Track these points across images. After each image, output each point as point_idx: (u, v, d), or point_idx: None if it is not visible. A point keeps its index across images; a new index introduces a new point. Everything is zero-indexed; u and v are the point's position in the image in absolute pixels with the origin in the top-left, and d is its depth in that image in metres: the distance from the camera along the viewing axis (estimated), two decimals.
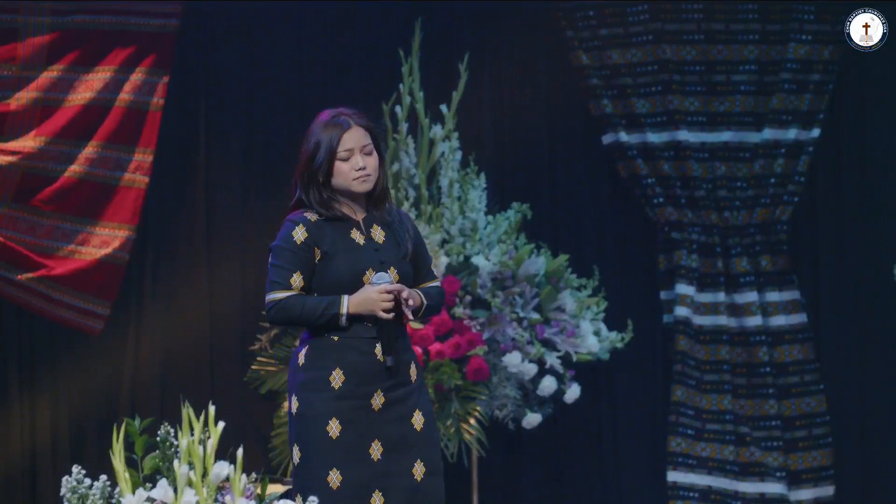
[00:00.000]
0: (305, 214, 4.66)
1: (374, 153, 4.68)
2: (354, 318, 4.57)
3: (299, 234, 4.62)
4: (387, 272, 4.59)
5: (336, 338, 4.58)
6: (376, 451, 4.55)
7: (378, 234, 4.67)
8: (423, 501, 4.59)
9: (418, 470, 4.58)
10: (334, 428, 4.53)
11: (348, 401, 4.54)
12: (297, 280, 4.61)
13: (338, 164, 4.64)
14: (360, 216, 4.69)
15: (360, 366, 4.56)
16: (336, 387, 4.55)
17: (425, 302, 4.66)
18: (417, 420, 4.61)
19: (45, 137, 6.90)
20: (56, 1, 6.96)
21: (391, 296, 4.52)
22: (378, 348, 4.57)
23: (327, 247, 4.61)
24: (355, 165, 4.62)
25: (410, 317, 4.58)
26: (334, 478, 4.51)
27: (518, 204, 7.42)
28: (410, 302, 4.56)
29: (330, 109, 4.79)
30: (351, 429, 4.53)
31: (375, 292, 4.52)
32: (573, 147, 7.87)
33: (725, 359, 7.73)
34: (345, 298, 4.55)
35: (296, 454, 4.60)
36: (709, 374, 7.74)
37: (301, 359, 4.63)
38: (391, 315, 4.53)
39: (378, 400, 4.56)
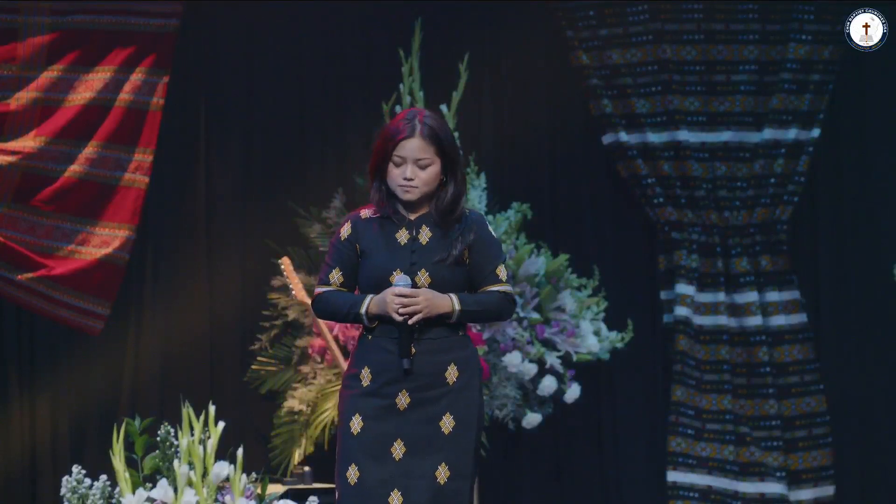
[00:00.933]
0: (362, 211, 4.67)
1: (433, 167, 4.59)
2: (382, 319, 4.56)
3: (345, 230, 4.64)
4: (416, 275, 4.55)
5: (370, 337, 4.60)
6: (398, 450, 4.54)
7: (424, 234, 4.63)
8: None
9: (442, 473, 4.56)
10: (356, 424, 4.54)
11: (373, 398, 4.55)
12: (336, 276, 4.63)
13: (390, 166, 4.60)
14: (413, 216, 4.65)
15: (385, 365, 4.56)
16: (364, 384, 4.57)
17: (457, 308, 4.56)
18: (447, 423, 4.58)
19: (45, 137, 6.90)
20: (56, 1, 6.96)
21: (403, 299, 4.50)
22: (398, 347, 4.57)
23: (366, 244, 4.60)
24: (403, 174, 4.59)
25: (418, 317, 4.53)
26: (352, 473, 4.52)
27: (518, 204, 7.42)
28: (417, 309, 4.51)
29: (416, 109, 4.71)
30: (373, 426, 4.54)
31: (390, 294, 4.52)
32: (573, 147, 7.87)
33: (725, 359, 7.73)
34: (368, 298, 4.55)
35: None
36: (709, 374, 7.74)
37: (351, 356, 4.67)
38: (404, 318, 4.51)
39: (403, 400, 4.55)
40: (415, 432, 4.54)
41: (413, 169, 4.57)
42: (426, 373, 4.56)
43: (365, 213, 4.66)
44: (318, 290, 4.65)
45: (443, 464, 4.55)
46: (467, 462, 4.59)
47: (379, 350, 4.57)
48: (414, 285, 4.53)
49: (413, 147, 4.57)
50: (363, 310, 4.54)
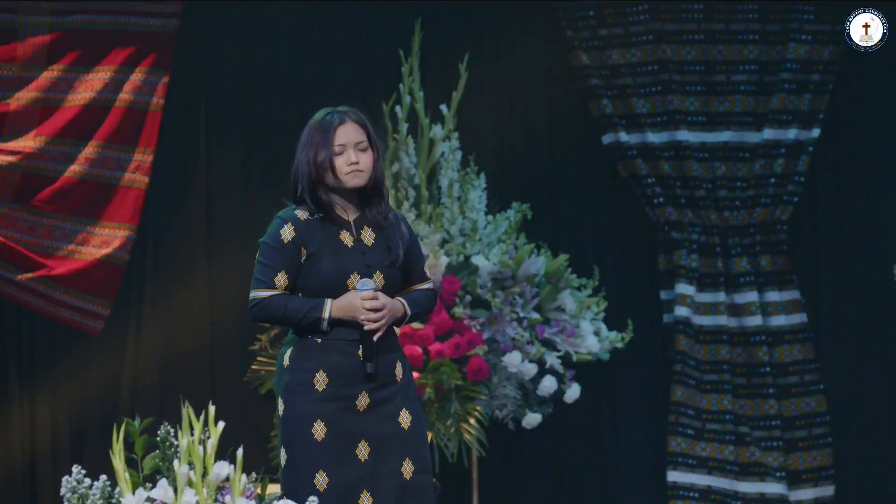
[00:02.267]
0: (296, 212, 4.63)
1: (369, 150, 4.64)
2: (337, 322, 4.56)
3: (287, 232, 4.59)
4: (371, 277, 4.56)
5: (319, 339, 4.56)
6: (363, 451, 4.53)
7: (368, 236, 4.63)
8: (412, 500, 4.58)
9: (407, 469, 4.57)
10: (319, 430, 4.51)
11: (333, 402, 4.52)
12: (281, 279, 4.59)
13: (332, 158, 4.61)
14: (351, 217, 4.65)
15: (343, 367, 4.53)
16: (320, 389, 4.53)
17: (409, 312, 4.62)
18: (405, 419, 4.59)
19: (45, 137, 6.90)
20: (56, 1, 6.96)
21: (375, 314, 4.51)
22: (360, 349, 4.56)
23: (314, 247, 4.57)
24: (348, 160, 4.59)
25: (380, 333, 4.56)
26: (321, 480, 4.49)
27: (518, 204, 7.42)
28: (376, 327, 4.54)
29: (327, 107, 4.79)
30: (336, 430, 4.51)
31: (359, 299, 4.50)
32: (573, 147, 7.87)
33: (725, 359, 7.73)
34: (328, 303, 4.52)
35: (283, 456, 4.59)
36: (709, 373, 7.74)
37: (286, 360, 4.62)
38: (372, 326, 4.51)
39: (363, 400, 4.55)
40: (377, 431, 4.54)
41: (355, 153, 4.58)
42: (381, 372, 4.56)
43: (300, 213, 4.61)
44: (260, 293, 4.58)
45: (406, 459, 4.57)
46: (427, 455, 4.64)
47: (334, 353, 4.54)
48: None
49: (350, 132, 4.62)
50: (325, 314, 4.52)
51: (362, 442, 4.53)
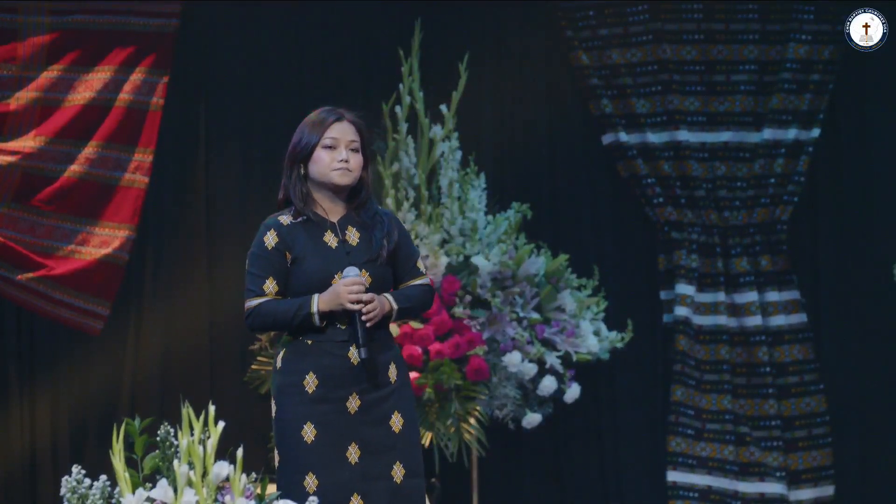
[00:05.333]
0: (280, 217, 4.64)
1: (360, 155, 4.64)
2: (328, 321, 4.54)
3: (270, 239, 4.60)
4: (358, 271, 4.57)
5: (310, 341, 4.56)
6: (353, 454, 4.52)
7: (353, 235, 4.64)
8: (403, 503, 4.57)
9: (397, 472, 4.56)
10: (309, 432, 4.51)
11: (323, 405, 4.52)
12: (270, 286, 4.59)
13: (320, 151, 4.60)
14: (335, 217, 4.65)
15: (333, 369, 4.53)
16: (310, 391, 4.53)
17: (395, 307, 4.60)
18: (396, 422, 4.58)
19: (45, 137, 6.90)
20: (56, 1, 6.96)
21: (358, 287, 4.49)
22: (352, 351, 4.54)
23: (298, 250, 4.57)
24: (338, 157, 4.59)
25: (372, 318, 4.54)
26: (311, 482, 4.49)
27: (518, 204, 7.42)
28: (370, 315, 4.52)
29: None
30: (326, 433, 4.51)
31: (341, 285, 4.50)
32: (573, 147, 7.88)
33: (725, 359, 7.73)
34: (315, 297, 4.51)
35: (276, 458, 4.59)
36: (709, 374, 7.74)
37: (278, 363, 4.62)
38: (359, 306, 4.50)
39: (354, 403, 4.54)
40: (368, 434, 4.53)
41: (347, 151, 4.59)
42: (373, 374, 4.55)
43: (284, 218, 4.62)
44: (252, 302, 4.57)
45: (397, 462, 4.56)
46: (419, 458, 4.63)
47: (324, 354, 4.54)
48: None
49: (345, 129, 4.63)
50: (314, 309, 4.51)
51: (353, 444, 4.52)
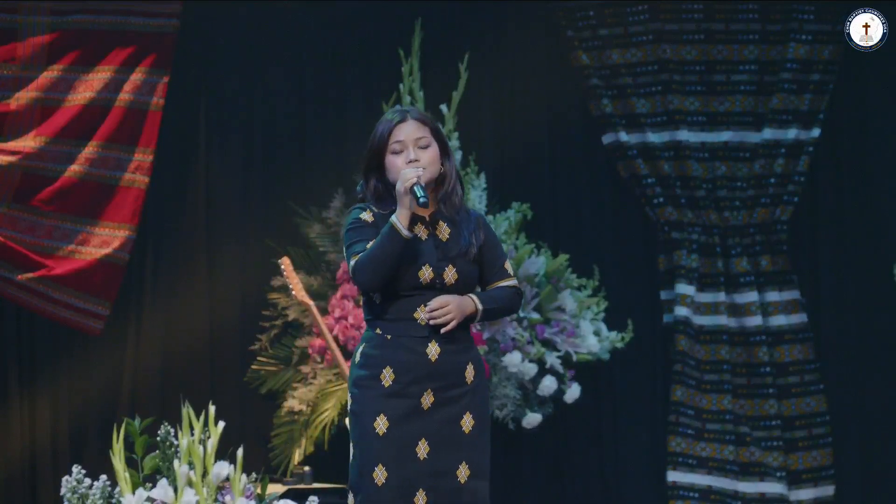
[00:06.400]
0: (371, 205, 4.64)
1: (432, 147, 4.60)
2: (406, 318, 4.54)
3: (367, 215, 4.58)
4: (445, 270, 4.53)
5: (389, 336, 4.56)
6: (423, 449, 4.53)
7: (443, 230, 4.62)
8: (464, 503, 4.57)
9: (462, 472, 4.56)
10: (381, 425, 4.52)
11: (397, 399, 4.53)
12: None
13: (389, 157, 4.58)
14: (426, 212, 4.62)
15: (410, 364, 4.53)
16: (386, 385, 4.53)
17: (480, 307, 4.58)
18: (467, 422, 4.58)
19: (45, 137, 6.90)
20: (56, 1, 6.96)
21: (415, 170, 4.46)
22: (430, 347, 4.54)
23: None
24: (407, 157, 4.57)
25: (449, 327, 4.53)
26: (380, 474, 4.50)
27: (518, 204, 7.42)
28: (436, 313, 4.52)
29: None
30: (399, 426, 4.51)
31: (400, 174, 4.47)
32: (573, 147, 7.87)
33: (725, 359, 7.73)
34: (393, 217, 4.47)
35: (351, 450, 4.60)
36: (709, 373, 7.74)
37: (357, 356, 4.62)
38: (413, 180, 4.43)
39: (427, 399, 4.54)
40: (438, 432, 4.53)
41: (415, 150, 4.56)
42: (449, 372, 4.56)
43: (375, 207, 4.62)
44: (354, 259, 4.51)
45: (463, 463, 4.56)
46: (485, 461, 4.61)
47: (402, 349, 4.54)
48: (441, 280, 4.53)
49: (409, 129, 4.58)
50: (397, 223, 4.43)
51: (423, 440, 4.52)
